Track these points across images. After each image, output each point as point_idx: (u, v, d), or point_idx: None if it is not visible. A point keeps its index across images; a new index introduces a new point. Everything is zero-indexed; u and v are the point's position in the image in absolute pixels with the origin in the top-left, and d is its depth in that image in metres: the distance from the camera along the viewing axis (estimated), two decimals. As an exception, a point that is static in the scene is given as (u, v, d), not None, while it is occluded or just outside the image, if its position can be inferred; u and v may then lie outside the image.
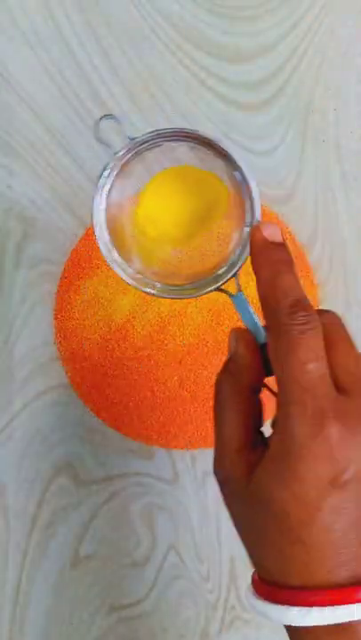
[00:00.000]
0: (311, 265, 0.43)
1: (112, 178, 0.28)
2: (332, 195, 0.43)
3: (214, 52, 0.42)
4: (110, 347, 0.42)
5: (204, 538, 0.43)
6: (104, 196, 0.28)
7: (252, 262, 0.27)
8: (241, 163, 0.28)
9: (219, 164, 0.29)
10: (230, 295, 0.29)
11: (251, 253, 0.27)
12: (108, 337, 0.43)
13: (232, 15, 0.42)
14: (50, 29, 0.42)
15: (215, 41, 0.42)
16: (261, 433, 0.27)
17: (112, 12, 0.42)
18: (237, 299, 0.28)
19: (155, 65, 0.42)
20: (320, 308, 0.42)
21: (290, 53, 0.42)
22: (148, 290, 0.29)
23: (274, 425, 0.26)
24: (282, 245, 0.27)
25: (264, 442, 0.27)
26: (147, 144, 0.28)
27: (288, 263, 0.26)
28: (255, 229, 0.27)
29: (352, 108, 0.43)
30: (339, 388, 0.25)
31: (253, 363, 0.27)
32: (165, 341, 0.43)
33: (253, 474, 0.25)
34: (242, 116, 0.43)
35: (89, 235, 0.43)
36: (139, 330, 0.43)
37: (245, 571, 0.43)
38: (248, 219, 0.28)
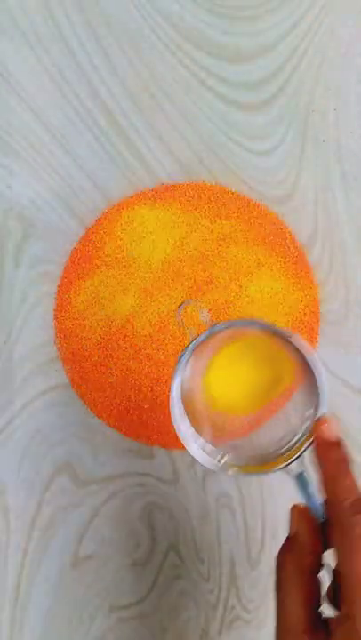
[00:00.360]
0: (311, 265, 0.43)
1: (188, 357, 0.31)
2: (332, 194, 0.43)
3: (214, 52, 0.42)
4: (110, 347, 0.42)
5: (204, 538, 0.43)
6: (180, 376, 0.31)
7: (316, 454, 0.30)
8: (313, 361, 0.30)
9: (290, 348, 0.31)
10: (292, 477, 0.30)
11: (315, 449, 0.30)
12: (108, 337, 0.43)
13: (232, 15, 0.42)
14: (50, 29, 0.42)
15: (215, 41, 0.42)
16: (320, 614, 0.29)
17: (112, 12, 0.42)
18: (300, 479, 0.30)
19: (155, 65, 0.42)
20: (321, 312, 0.42)
21: (290, 53, 0.42)
22: (216, 462, 0.31)
23: (333, 597, 0.28)
24: (339, 443, 0.30)
25: (323, 622, 0.28)
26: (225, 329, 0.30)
27: (347, 462, 0.29)
28: (319, 426, 0.30)
29: (352, 108, 0.43)
30: None
31: (316, 546, 0.29)
32: (165, 341, 0.43)
33: None
34: (242, 115, 0.43)
35: (89, 235, 0.43)
36: (139, 330, 0.43)
37: (245, 570, 0.43)
38: (313, 405, 0.31)
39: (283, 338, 0.30)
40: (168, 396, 0.31)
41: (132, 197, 0.43)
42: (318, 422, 0.30)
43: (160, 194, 0.43)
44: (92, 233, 0.43)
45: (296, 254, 0.43)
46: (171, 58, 0.42)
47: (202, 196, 0.43)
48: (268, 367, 0.33)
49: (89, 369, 0.42)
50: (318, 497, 0.30)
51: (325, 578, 0.30)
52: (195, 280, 0.43)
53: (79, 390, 0.43)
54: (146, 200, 0.43)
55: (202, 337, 0.30)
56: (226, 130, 0.43)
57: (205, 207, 0.43)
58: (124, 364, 0.42)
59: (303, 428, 0.31)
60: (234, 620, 0.43)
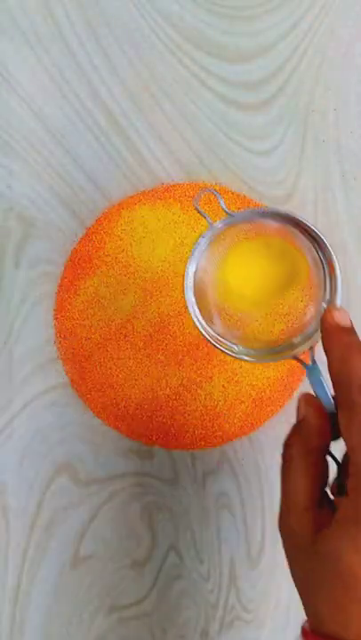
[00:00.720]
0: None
1: (205, 245, 0.31)
2: (332, 195, 0.43)
3: (214, 52, 0.42)
4: (110, 347, 0.42)
5: (204, 538, 0.43)
6: (196, 262, 0.31)
7: (323, 342, 0.30)
8: (329, 246, 0.30)
9: (305, 242, 0.31)
10: (305, 366, 0.31)
11: (322, 335, 0.30)
12: (109, 337, 0.43)
13: (232, 15, 0.42)
14: (50, 29, 0.42)
15: (215, 41, 0.43)
16: (326, 492, 0.30)
17: (112, 12, 0.42)
18: (312, 370, 0.31)
19: (155, 65, 0.42)
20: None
21: (290, 53, 0.43)
22: (227, 350, 0.32)
23: (338, 491, 0.29)
24: (350, 329, 0.30)
25: (329, 501, 0.29)
26: (242, 219, 0.31)
27: (357, 346, 0.29)
28: (327, 314, 0.31)
29: (352, 108, 0.43)
30: None
31: (323, 428, 0.30)
32: (165, 341, 0.43)
33: (321, 533, 0.27)
34: (242, 115, 0.43)
35: (89, 235, 0.43)
36: (139, 330, 0.43)
37: (245, 571, 0.43)
38: (326, 295, 0.31)
39: (301, 227, 0.31)
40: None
41: (132, 197, 0.43)
42: (330, 307, 0.31)
43: (160, 194, 0.43)
44: (92, 233, 0.43)
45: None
46: (171, 58, 0.42)
47: (202, 196, 0.43)
48: (283, 264, 0.33)
49: (89, 369, 0.42)
50: (329, 389, 0.30)
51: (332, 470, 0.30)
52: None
53: (79, 390, 0.43)
54: (146, 200, 0.43)
55: (221, 223, 0.31)
56: (226, 130, 0.43)
57: (205, 207, 0.43)
58: (124, 364, 0.43)
59: (315, 321, 0.32)
60: (234, 620, 0.43)
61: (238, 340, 0.32)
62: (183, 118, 0.43)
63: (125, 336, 0.43)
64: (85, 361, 0.43)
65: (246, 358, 0.32)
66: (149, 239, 0.43)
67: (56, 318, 0.43)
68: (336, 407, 0.29)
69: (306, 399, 0.31)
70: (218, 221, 0.31)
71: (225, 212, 0.30)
